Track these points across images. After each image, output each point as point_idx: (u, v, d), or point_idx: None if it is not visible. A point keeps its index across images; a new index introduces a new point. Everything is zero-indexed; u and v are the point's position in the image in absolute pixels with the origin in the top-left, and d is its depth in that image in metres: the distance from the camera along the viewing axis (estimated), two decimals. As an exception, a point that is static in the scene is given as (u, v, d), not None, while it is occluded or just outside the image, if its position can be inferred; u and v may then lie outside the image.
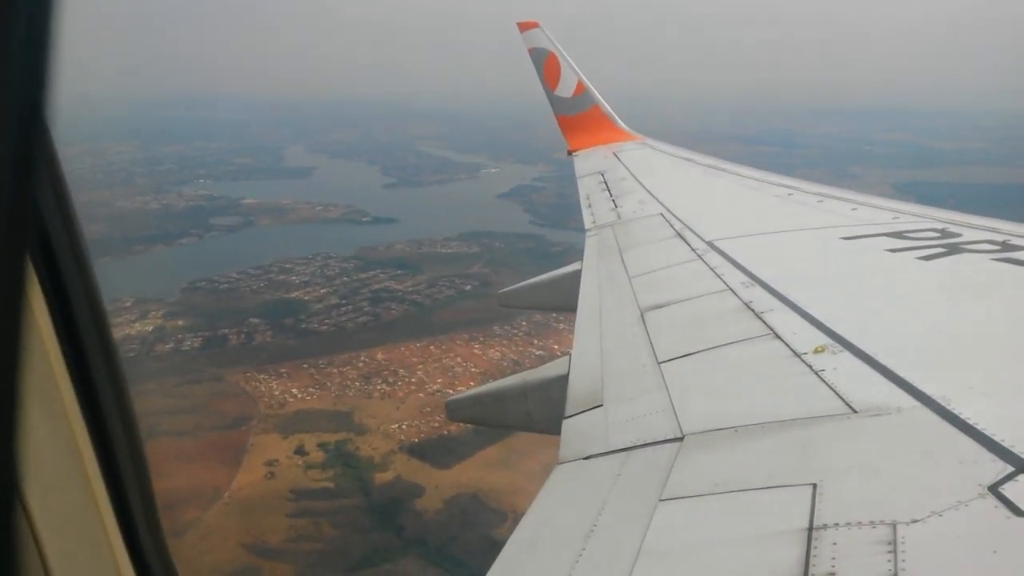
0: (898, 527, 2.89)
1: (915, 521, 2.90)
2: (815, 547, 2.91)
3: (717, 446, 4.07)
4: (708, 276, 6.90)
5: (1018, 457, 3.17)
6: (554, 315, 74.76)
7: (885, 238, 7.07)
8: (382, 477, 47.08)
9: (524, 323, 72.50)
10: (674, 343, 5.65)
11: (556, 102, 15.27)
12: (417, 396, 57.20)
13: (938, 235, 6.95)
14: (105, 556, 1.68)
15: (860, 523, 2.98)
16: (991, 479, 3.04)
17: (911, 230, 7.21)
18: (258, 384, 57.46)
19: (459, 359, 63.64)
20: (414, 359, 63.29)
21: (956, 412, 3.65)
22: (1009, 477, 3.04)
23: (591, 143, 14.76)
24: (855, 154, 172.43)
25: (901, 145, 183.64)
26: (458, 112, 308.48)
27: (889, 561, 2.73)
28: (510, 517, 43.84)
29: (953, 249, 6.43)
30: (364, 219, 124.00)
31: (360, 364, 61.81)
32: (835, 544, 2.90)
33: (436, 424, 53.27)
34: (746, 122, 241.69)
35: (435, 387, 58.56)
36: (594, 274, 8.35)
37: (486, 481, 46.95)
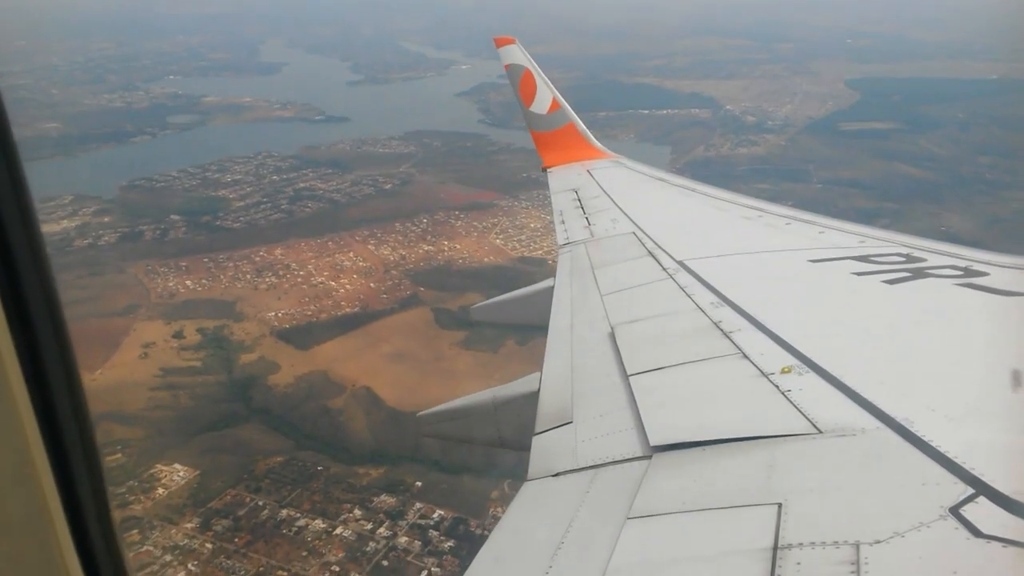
0: (861, 547, 2.96)
1: (878, 542, 2.97)
2: (780, 567, 2.97)
3: (684, 464, 4.15)
4: (678, 295, 6.97)
5: (978, 479, 3.23)
6: (455, 213, 79.47)
7: (852, 261, 7.16)
8: (247, 358, 53.11)
9: (425, 220, 77.15)
10: (644, 361, 5.71)
11: (531, 118, 15.26)
12: (300, 288, 62.77)
13: (903, 260, 7.03)
14: (54, 558, 1.63)
15: (824, 543, 3.05)
16: (952, 501, 3.12)
17: (877, 254, 7.28)
18: (156, 276, 63.26)
19: (351, 255, 68.72)
20: (309, 254, 68.48)
21: (919, 434, 3.72)
22: (969, 499, 3.12)
23: (565, 160, 14.71)
24: (830, 48, 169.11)
25: (882, 38, 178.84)
26: (449, 3, 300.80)
27: None
28: (348, 390, 50.04)
29: (918, 274, 6.52)
30: (317, 118, 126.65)
31: (257, 259, 67.17)
32: (799, 564, 2.97)
33: (309, 312, 59.11)
34: (735, 13, 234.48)
35: (319, 280, 64.04)
36: (566, 291, 8.35)
37: (339, 362, 52.84)
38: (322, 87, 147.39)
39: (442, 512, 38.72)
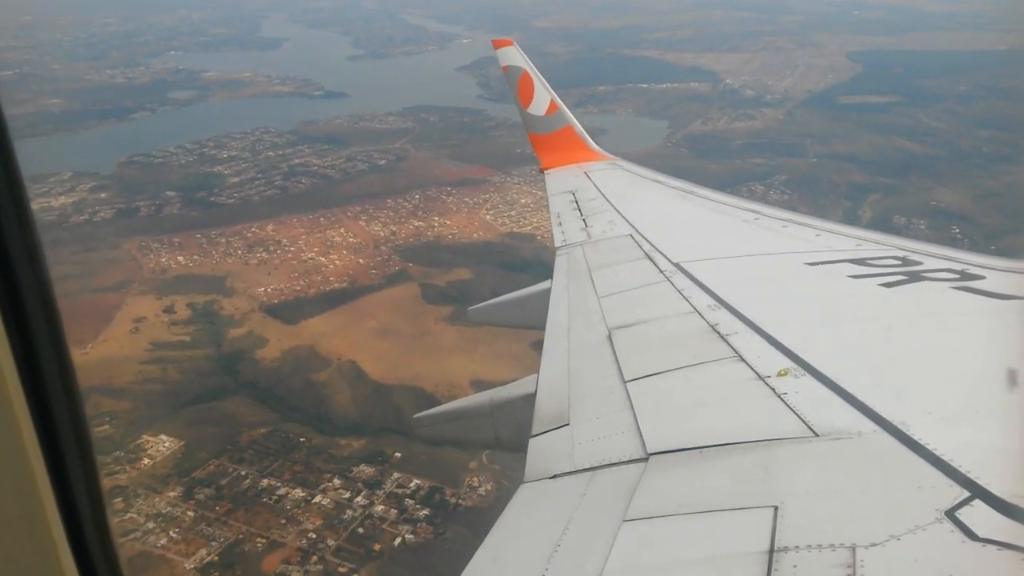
0: (857, 550, 2.99)
1: (874, 545, 3.00)
2: (775, 569, 3.00)
3: (681, 467, 4.17)
4: (675, 298, 6.98)
5: (974, 482, 3.27)
6: (448, 189, 79.86)
7: (848, 264, 7.19)
8: (235, 332, 54.09)
9: (417, 196, 77.63)
10: (640, 363, 5.74)
11: (529, 120, 15.23)
12: (290, 264, 63.61)
13: (899, 263, 7.07)
14: (49, 556, 1.62)
15: (820, 546, 3.08)
16: (948, 504, 3.16)
17: (873, 257, 7.31)
18: (149, 252, 64.19)
19: (342, 231, 69.39)
20: (300, 230, 69.19)
21: (915, 437, 3.74)
22: (965, 502, 3.16)
23: (563, 161, 14.66)
24: (836, 20, 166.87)
25: (890, 8, 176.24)
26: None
27: None
28: (334, 364, 50.98)
29: (914, 277, 6.57)
30: (316, 93, 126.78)
31: (249, 235, 67.96)
32: (795, 567, 3.00)
33: (298, 288, 59.99)
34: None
35: (309, 256, 64.82)
36: (563, 293, 8.37)
37: (326, 336, 53.76)
38: (322, 62, 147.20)
39: (419, 482, 39.76)
